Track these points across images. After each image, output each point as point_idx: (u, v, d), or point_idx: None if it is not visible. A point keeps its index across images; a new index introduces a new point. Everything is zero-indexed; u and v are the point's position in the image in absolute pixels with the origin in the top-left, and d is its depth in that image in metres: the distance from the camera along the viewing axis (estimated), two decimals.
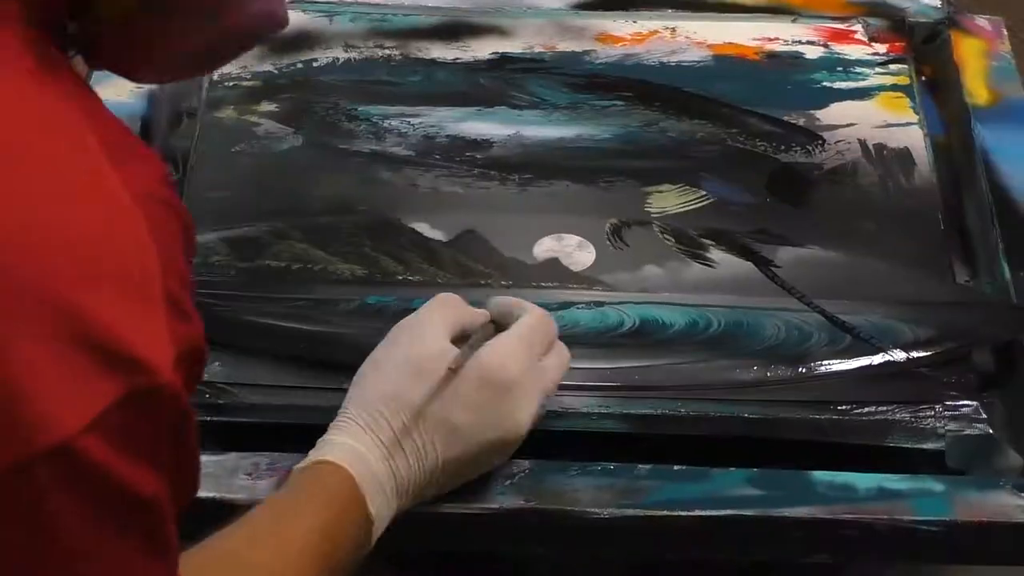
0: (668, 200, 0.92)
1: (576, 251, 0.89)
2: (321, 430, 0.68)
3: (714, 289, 0.86)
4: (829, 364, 0.81)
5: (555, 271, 0.88)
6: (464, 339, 0.69)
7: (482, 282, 0.86)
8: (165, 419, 0.42)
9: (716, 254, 0.89)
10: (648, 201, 0.92)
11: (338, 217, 0.90)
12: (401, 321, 0.69)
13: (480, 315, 0.70)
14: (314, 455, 0.65)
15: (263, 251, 0.88)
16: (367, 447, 0.64)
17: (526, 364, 0.67)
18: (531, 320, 0.69)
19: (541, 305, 0.76)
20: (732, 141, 0.96)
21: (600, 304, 0.84)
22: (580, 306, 0.84)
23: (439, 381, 0.64)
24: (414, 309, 0.74)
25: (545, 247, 0.89)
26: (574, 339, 0.80)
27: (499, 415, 0.65)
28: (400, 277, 0.87)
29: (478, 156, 0.95)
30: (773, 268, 0.87)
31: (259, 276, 0.87)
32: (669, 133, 0.96)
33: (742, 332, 0.83)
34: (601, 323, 0.84)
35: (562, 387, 0.75)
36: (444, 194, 0.93)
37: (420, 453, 0.63)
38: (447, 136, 0.96)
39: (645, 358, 0.81)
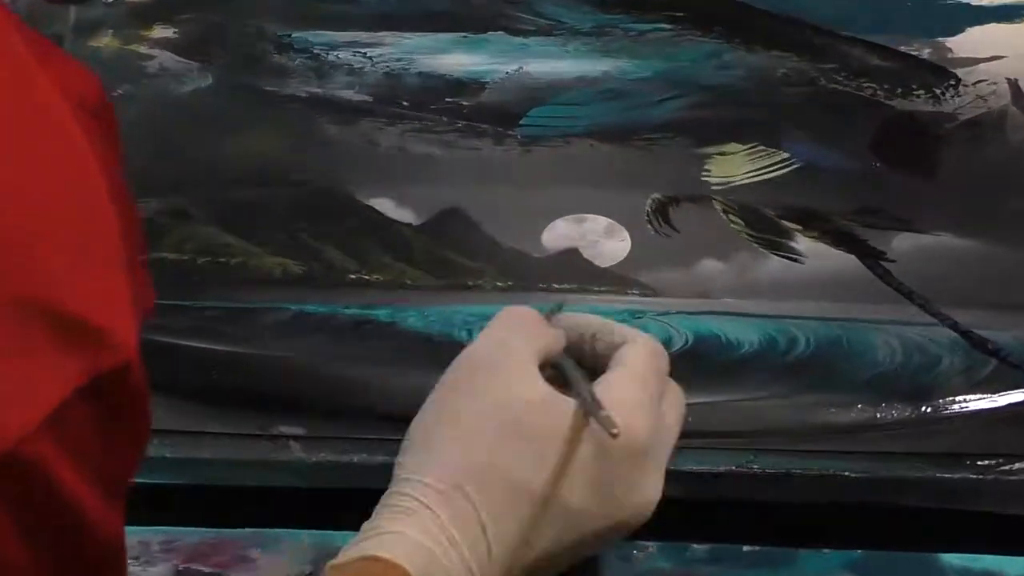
0: (735, 166, 0.92)
1: (603, 239, 0.88)
2: (240, 494, 0.67)
3: (801, 294, 0.85)
4: (964, 401, 0.81)
5: (573, 267, 0.87)
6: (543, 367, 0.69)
7: (469, 283, 0.86)
8: (125, 413, 0.46)
9: (803, 243, 0.88)
10: (706, 168, 0.91)
11: (264, 190, 0.90)
12: (468, 349, 0.68)
13: (558, 338, 0.71)
14: (360, 548, 0.63)
15: (158, 239, 0.88)
16: (441, 545, 0.62)
17: (655, 423, 0.66)
18: (645, 353, 0.68)
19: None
20: (826, 81, 0.95)
21: (638, 314, 0.84)
22: (608, 316, 0.83)
23: (559, 449, 0.64)
24: (375, 321, 0.76)
25: (560, 233, 0.89)
26: None
27: (627, 492, 0.65)
28: (352, 276, 0.86)
29: (463, 103, 0.95)
30: (885, 263, 0.87)
31: (153, 275, 0.86)
32: (735, 70, 0.96)
33: (840, 355, 0.82)
34: None
35: None
36: (415, 157, 0.92)
37: (510, 547, 0.63)
38: (419, 74, 0.96)
39: (702, 391, 0.80)
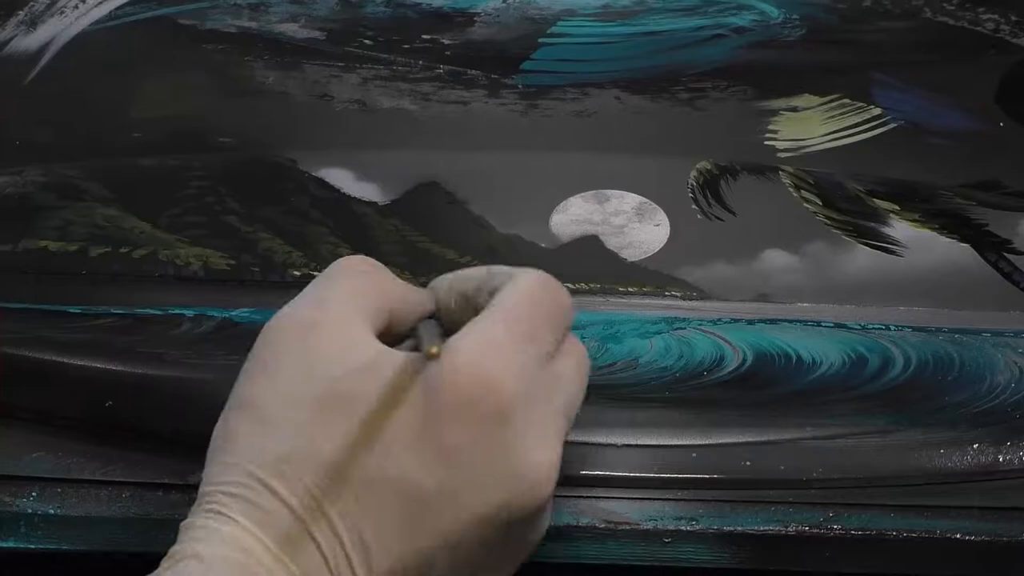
0: (810, 126, 0.93)
1: (633, 223, 0.90)
2: (149, 566, 0.68)
3: (898, 297, 0.87)
4: None
5: (593, 260, 0.89)
6: (401, 338, 0.70)
7: None
8: None
9: (901, 229, 0.89)
10: (770, 127, 0.93)
11: (177, 157, 0.92)
12: (277, 313, 0.69)
13: (419, 299, 0.71)
14: (175, 550, 0.66)
15: (35, 223, 0.89)
16: (254, 538, 0.65)
17: (527, 366, 0.67)
18: (525, 290, 0.70)
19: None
20: (932, 11, 0.97)
21: (679, 323, 0.86)
22: (639, 325, 0.85)
23: (372, 414, 0.65)
24: None
25: (574, 215, 0.90)
26: (629, 388, 0.81)
27: (496, 459, 0.66)
28: (296, 272, 0.88)
29: (446, 41, 0.96)
30: (1012, 256, 0.89)
31: (27, 269, 0.88)
32: None
33: (951, 378, 0.84)
34: (680, 359, 0.85)
35: (603, 482, 0.77)
36: (381, 113, 0.94)
37: (350, 546, 0.65)
38: (387, 1, 0.97)
39: (764, 427, 0.82)
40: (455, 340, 0.67)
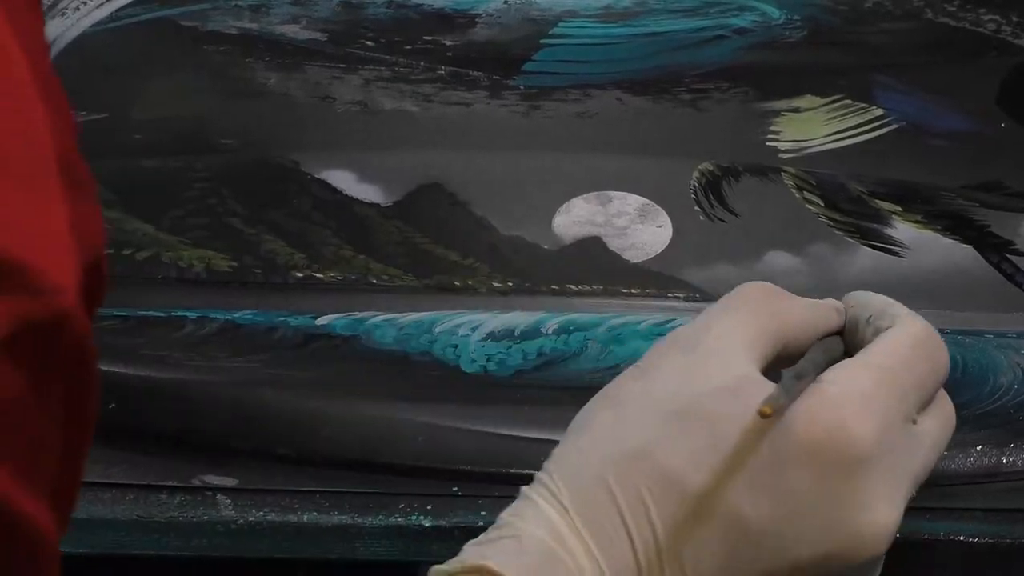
0: (812, 127, 0.93)
1: (635, 224, 0.90)
2: (151, 567, 0.68)
3: (900, 298, 0.82)
4: None
5: (595, 262, 0.89)
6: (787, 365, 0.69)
7: (456, 284, 0.88)
8: (63, 379, 0.45)
9: (904, 230, 0.89)
10: (773, 128, 0.93)
11: (179, 159, 0.92)
12: (675, 331, 0.69)
13: (821, 318, 0.71)
14: (470, 554, 0.65)
15: None
16: (570, 551, 0.65)
17: (892, 423, 0.66)
18: (903, 339, 0.69)
19: (568, 327, 0.78)
20: (934, 13, 0.97)
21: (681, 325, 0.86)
22: (642, 327, 0.85)
23: (737, 440, 0.64)
24: (331, 335, 0.78)
25: (577, 216, 0.90)
26: None
27: (832, 510, 0.65)
28: (299, 274, 0.88)
29: (445, 41, 0.96)
30: (1014, 257, 0.89)
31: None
32: None
33: (953, 380, 0.80)
34: None
35: None
36: (383, 115, 0.94)
37: (667, 560, 0.64)
38: (388, 3, 0.97)
39: None
40: (822, 382, 0.66)
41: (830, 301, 0.72)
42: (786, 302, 0.70)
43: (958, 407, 0.82)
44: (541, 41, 0.97)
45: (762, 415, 0.62)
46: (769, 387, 0.64)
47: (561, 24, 0.97)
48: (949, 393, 0.82)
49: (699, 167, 0.92)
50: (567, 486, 0.65)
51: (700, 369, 0.66)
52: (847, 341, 0.70)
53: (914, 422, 0.67)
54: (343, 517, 0.80)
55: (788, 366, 0.67)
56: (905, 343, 0.68)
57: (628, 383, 0.68)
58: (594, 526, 0.64)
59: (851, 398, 0.65)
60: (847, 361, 0.67)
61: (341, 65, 0.96)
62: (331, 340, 0.85)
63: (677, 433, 0.65)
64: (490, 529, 0.64)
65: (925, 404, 0.69)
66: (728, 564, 0.64)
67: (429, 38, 0.97)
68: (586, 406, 0.68)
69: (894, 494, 0.66)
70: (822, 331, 0.70)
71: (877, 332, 0.69)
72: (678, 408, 0.65)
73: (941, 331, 0.84)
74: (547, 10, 0.97)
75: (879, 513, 0.65)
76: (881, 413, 0.65)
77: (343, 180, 0.91)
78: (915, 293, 0.87)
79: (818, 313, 0.70)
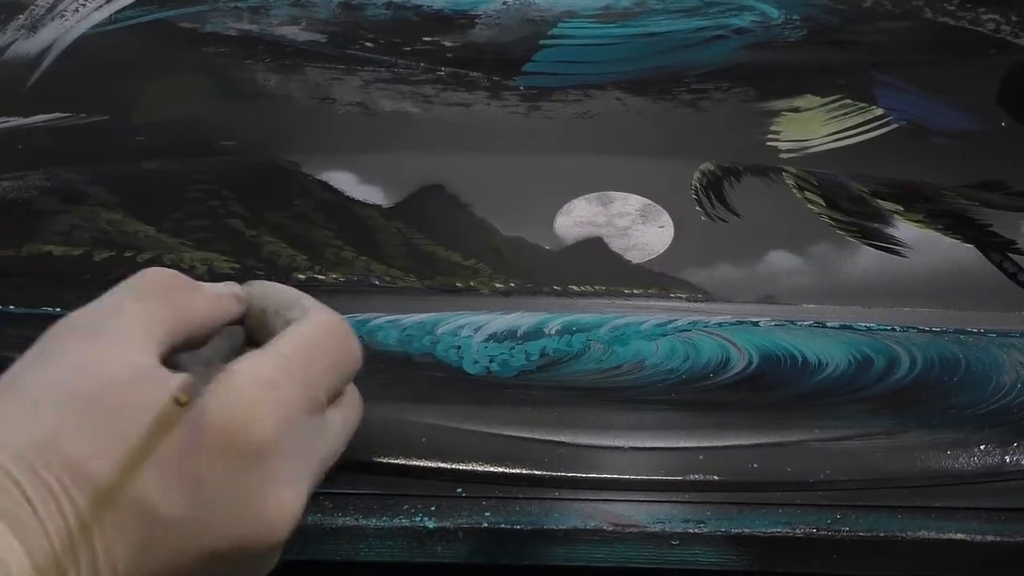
0: (811, 126, 0.93)
1: (637, 225, 0.90)
2: None
3: (903, 298, 0.87)
4: None
5: (597, 263, 0.89)
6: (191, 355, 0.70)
7: (458, 285, 0.88)
8: None
9: (905, 230, 0.90)
10: (773, 128, 0.93)
11: (181, 161, 0.92)
12: (73, 313, 0.69)
13: (224, 309, 0.71)
14: None
15: (39, 227, 0.89)
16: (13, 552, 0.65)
17: (297, 410, 0.68)
18: (311, 330, 0.70)
19: (570, 328, 0.77)
20: (933, 12, 0.97)
21: (684, 326, 0.86)
22: (645, 327, 0.86)
23: (145, 429, 0.64)
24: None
25: (578, 217, 0.90)
26: (635, 391, 0.81)
27: (238, 498, 0.66)
28: (301, 275, 0.88)
29: (445, 42, 0.96)
30: (1016, 256, 0.89)
31: (29, 275, 0.88)
32: None
33: (957, 379, 0.84)
34: (686, 362, 0.85)
35: (610, 485, 0.78)
36: (383, 116, 0.94)
37: (91, 562, 0.64)
38: (387, 4, 0.97)
39: (771, 429, 0.82)
40: (231, 372, 0.67)
41: (231, 287, 0.72)
42: (188, 292, 0.70)
43: (961, 407, 0.83)
44: (541, 42, 0.96)
45: (178, 403, 0.63)
46: (169, 376, 0.65)
47: (561, 25, 0.97)
48: (950, 392, 0.83)
49: (700, 167, 0.92)
50: None
51: (100, 357, 0.66)
52: (253, 331, 0.71)
53: (323, 409, 0.69)
54: (347, 519, 0.80)
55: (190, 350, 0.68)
56: (314, 333, 0.69)
57: (27, 371, 0.67)
58: (9, 517, 0.63)
59: (256, 386, 0.66)
60: (256, 351, 0.67)
61: (341, 66, 0.95)
62: None
63: (82, 423, 0.64)
64: None
65: (337, 392, 0.70)
66: (141, 552, 0.65)
67: (429, 39, 0.96)
68: None
69: (297, 480, 0.67)
70: (225, 320, 0.71)
71: (288, 324, 0.70)
72: (81, 397, 0.65)
73: (944, 330, 0.85)
74: (546, 11, 0.97)
75: (282, 498, 0.66)
76: (285, 401, 0.66)
77: (344, 181, 0.91)
78: (917, 292, 0.87)
79: (221, 304, 0.71)
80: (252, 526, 0.66)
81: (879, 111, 0.94)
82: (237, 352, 0.68)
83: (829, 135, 0.93)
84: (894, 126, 0.93)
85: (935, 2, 0.98)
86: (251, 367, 0.67)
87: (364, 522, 0.80)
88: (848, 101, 0.94)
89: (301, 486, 0.68)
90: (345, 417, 0.71)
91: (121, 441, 0.64)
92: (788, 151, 0.93)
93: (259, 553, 0.67)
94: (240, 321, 0.72)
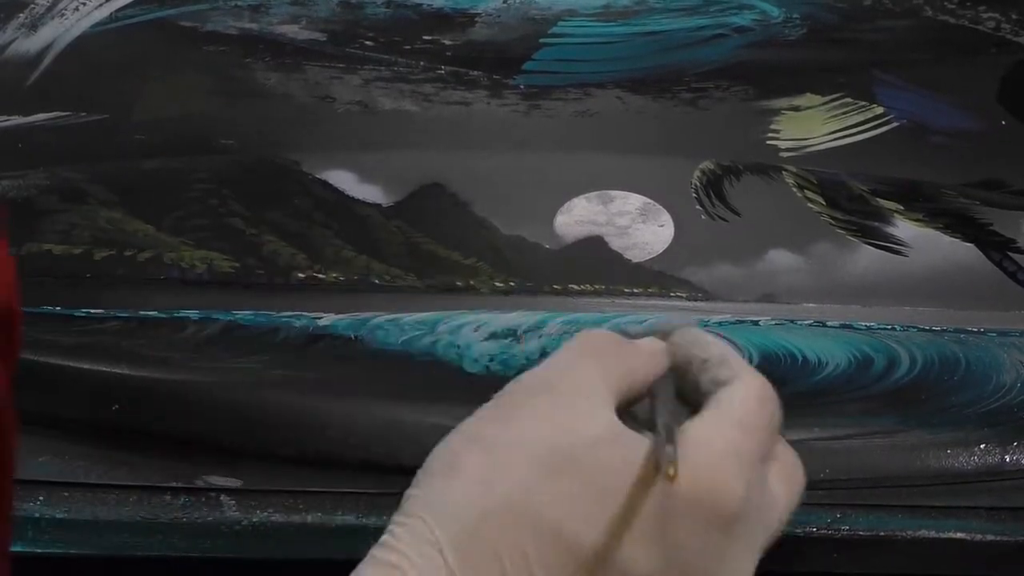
0: (812, 125, 0.93)
1: (637, 224, 0.90)
2: (154, 568, 0.68)
3: (902, 296, 0.87)
4: None
5: (597, 262, 0.89)
6: (626, 410, 0.69)
7: (458, 284, 0.88)
8: None
9: (905, 228, 0.89)
10: (773, 127, 0.93)
11: (183, 160, 0.92)
12: (525, 374, 0.68)
13: (658, 362, 0.71)
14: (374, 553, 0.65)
15: (40, 226, 0.89)
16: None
17: (755, 481, 0.66)
18: (754, 394, 0.69)
19: (567, 325, 0.79)
20: (933, 10, 0.97)
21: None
22: (644, 325, 0.85)
23: (626, 492, 0.63)
24: (333, 336, 0.78)
25: (578, 216, 0.90)
26: None
27: (706, 562, 0.65)
28: (301, 274, 0.88)
29: (445, 41, 0.96)
30: (1016, 255, 0.89)
31: (32, 273, 0.88)
32: None
33: (956, 378, 0.84)
34: None
35: None
36: (383, 115, 0.94)
37: None
38: (387, 3, 0.97)
39: None
40: (698, 439, 0.66)
41: (655, 343, 0.71)
42: (629, 347, 0.70)
43: (961, 406, 0.82)
44: (541, 40, 0.96)
45: (669, 478, 0.62)
46: (636, 436, 0.64)
47: (561, 23, 0.97)
48: (950, 391, 0.83)
49: (700, 166, 0.92)
50: (445, 533, 0.63)
51: (567, 414, 0.65)
52: (678, 381, 0.70)
53: (767, 479, 0.68)
54: (347, 517, 0.80)
55: (628, 408, 0.67)
56: (757, 398, 0.68)
57: (492, 425, 0.66)
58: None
59: (725, 455, 0.65)
60: (709, 415, 0.67)
61: (341, 65, 0.95)
62: (333, 341, 0.85)
63: (556, 484, 0.64)
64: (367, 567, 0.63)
65: (768, 453, 0.69)
66: None
67: (428, 38, 0.96)
68: (445, 444, 0.66)
69: (753, 548, 0.67)
70: (659, 375, 0.70)
71: (715, 381, 0.69)
72: (553, 457, 0.64)
73: (944, 329, 0.85)
74: (547, 9, 0.97)
75: (744, 566, 0.66)
76: (745, 469, 0.66)
77: (344, 180, 0.91)
78: (917, 291, 0.88)
79: (655, 360, 0.71)
80: None
81: (879, 110, 0.94)
82: (672, 406, 0.68)
83: (829, 134, 0.93)
84: (894, 125, 0.93)
85: (935, 0, 0.98)
86: (717, 434, 0.66)
87: (364, 520, 0.80)
88: (848, 100, 0.94)
89: (755, 556, 0.67)
90: (785, 479, 0.69)
91: (599, 504, 0.63)
92: (788, 150, 0.93)
93: None
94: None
